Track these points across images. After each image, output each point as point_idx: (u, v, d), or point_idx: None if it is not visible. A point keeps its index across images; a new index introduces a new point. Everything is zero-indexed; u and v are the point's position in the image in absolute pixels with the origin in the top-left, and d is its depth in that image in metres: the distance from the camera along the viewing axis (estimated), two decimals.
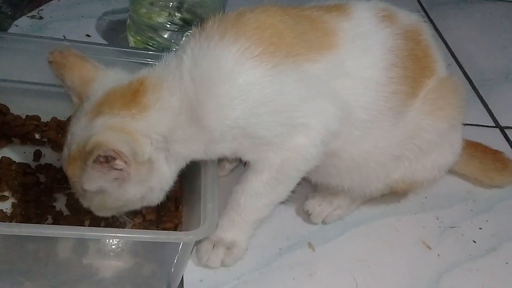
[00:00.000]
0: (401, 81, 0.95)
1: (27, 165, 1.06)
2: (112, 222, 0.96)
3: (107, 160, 0.83)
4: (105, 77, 0.91)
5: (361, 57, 0.93)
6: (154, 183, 0.90)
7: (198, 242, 0.96)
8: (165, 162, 0.90)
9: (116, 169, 0.84)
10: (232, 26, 0.86)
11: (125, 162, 0.83)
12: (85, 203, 0.91)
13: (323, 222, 1.10)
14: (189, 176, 1.05)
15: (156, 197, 0.92)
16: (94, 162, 0.82)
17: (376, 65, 0.94)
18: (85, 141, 0.83)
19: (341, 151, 0.97)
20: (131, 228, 0.98)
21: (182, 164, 0.93)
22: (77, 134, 0.86)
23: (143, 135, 0.86)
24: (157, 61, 0.93)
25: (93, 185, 0.86)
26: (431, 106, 0.99)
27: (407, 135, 1.00)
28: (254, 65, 0.85)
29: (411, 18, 1.01)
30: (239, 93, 0.85)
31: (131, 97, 0.86)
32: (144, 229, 0.99)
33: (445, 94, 1.01)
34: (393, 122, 0.97)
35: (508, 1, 2.04)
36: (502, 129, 1.46)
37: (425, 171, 1.05)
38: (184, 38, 0.93)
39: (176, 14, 1.41)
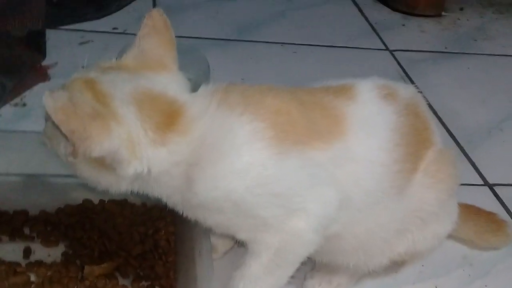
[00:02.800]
0: (405, 159, 0.95)
1: (17, 264, 1.03)
2: None
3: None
4: (175, 76, 0.93)
5: (367, 140, 0.93)
6: (104, 182, 0.88)
7: None
8: (127, 182, 0.88)
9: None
10: (253, 106, 0.87)
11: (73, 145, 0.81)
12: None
13: None
14: (183, 263, 1.03)
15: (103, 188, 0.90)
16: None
17: (381, 147, 0.93)
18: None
19: (343, 232, 0.96)
20: None
21: (147, 187, 0.90)
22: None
23: (145, 161, 0.85)
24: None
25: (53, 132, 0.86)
26: (432, 179, 0.99)
27: (410, 209, 0.99)
28: (263, 147, 0.85)
29: (409, 91, 1.01)
30: (240, 170, 0.85)
31: (167, 117, 0.86)
32: None
33: (444, 165, 1.01)
34: (396, 199, 0.96)
35: (485, 54, 2.07)
36: (491, 187, 1.46)
37: (426, 242, 1.04)
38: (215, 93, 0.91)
39: None
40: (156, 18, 0.92)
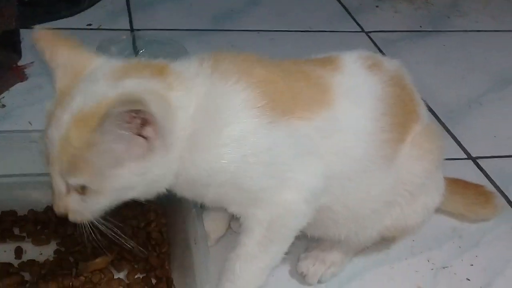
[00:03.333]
0: (391, 129, 0.96)
1: (10, 264, 1.02)
2: None
3: (142, 121, 0.78)
4: (106, 60, 0.89)
5: (353, 109, 0.94)
6: (160, 170, 0.85)
7: None
8: (178, 150, 0.85)
9: (142, 136, 0.80)
10: (246, 74, 0.88)
11: (155, 131, 0.80)
12: (78, 179, 0.82)
13: (319, 282, 1.09)
14: (178, 253, 1.03)
15: (161, 187, 0.88)
16: (123, 113, 0.76)
17: (366, 116, 0.95)
18: (117, 96, 0.78)
19: (334, 203, 0.97)
20: None
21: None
22: (95, 93, 0.80)
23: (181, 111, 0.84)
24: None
25: (110, 150, 0.79)
26: (419, 150, 1.01)
27: (398, 181, 1.00)
28: (256, 115, 0.86)
29: (394, 64, 1.03)
30: (237, 138, 0.86)
31: (157, 71, 0.85)
32: None
33: (430, 137, 1.03)
34: (384, 169, 0.98)
35: (460, 31, 2.09)
36: (474, 160, 1.48)
37: (416, 215, 1.06)
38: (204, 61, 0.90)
39: None
40: (42, 38, 0.87)
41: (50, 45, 0.87)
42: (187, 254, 0.95)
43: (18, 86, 1.51)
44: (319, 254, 1.09)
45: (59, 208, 0.87)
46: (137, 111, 0.77)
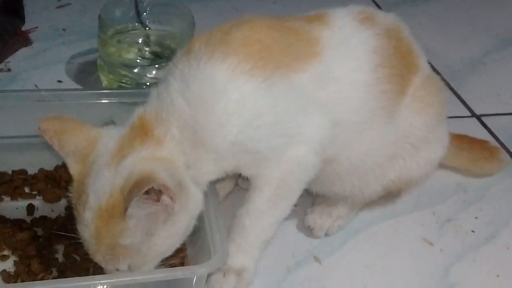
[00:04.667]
0: (389, 80, 0.97)
1: (23, 221, 1.04)
2: None
3: (156, 192, 0.81)
4: (108, 132, 0.90)
5: (346, 62, 0.95)
6: (194, 210, 0.89)
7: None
8: (194, 187, 0.89)
9: (162, 204, 0.83)
10: (220, 45, 0.87)
11: (171, 198, 0.82)
12: (123, 265, 0.85)
13: (326, 234, 1.11)
14: None
15: (193, 224, 0.91)
16: (144, 195, 0.79)
17: (361, 67, 0.95)
18: (124, 181, 0.81)
19: (339, 155, 0.98)
20: None
21: (203, 187, 0.92)
22: (104, 185, 0.83)
23: (175, 161, 0.86)
24: (140, 96, 0.93)
25: (139, 227, 0.83)
26: (420, 103, 1.02)
27: (400, 134, 1.02)
28: (246, 79, 0.86)
29: (389, 17, 1.03)
30: (235, 109, 0.86)
31: (143, 134, 0.86)
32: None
33: (432, 90, 1.04)
34: (385, 121, 0.99)
35: None
36: (478, 118, 1.49)
37: (419, 168, 1.07)
38: (169, 64, 0.92)
39: (145, 48, 1.41)
40: (48, 128, 0.90)
41: (56, 135, 0.89)
42: None
43: (23, 51, 1.52)
44: (325, 208, 1.11)
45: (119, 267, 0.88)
46: (150, 188, 0.80)
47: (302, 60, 0.91)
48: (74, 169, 0.89)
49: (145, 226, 0.83)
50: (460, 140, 1.24)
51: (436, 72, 1.60)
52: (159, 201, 0.82)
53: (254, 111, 0.86)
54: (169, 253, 0.90)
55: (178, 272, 0.84)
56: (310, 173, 0.94)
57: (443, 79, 1.58)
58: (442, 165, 1.23)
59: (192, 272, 0.83)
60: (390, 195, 1.15)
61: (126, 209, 0.79)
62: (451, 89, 1.58)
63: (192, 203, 0.88)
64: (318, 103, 0.92)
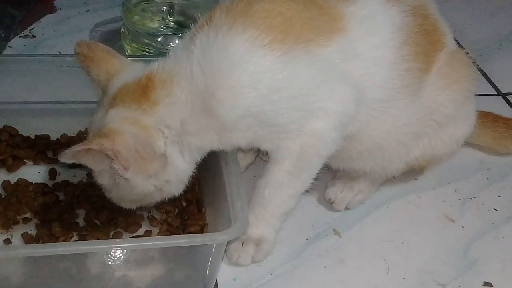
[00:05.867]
0: (414, 58, 0.95)
1: (45, 185, 1.05)
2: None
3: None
4: (124, 72, 0.92)
5: (370, 38, 0.93)
6: (170, 176, 0.90)
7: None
8: (179, 155, 0.90)
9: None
10: (241, 16, 0.86)
11: (119, 165, 0.84)
12: (107, 194, 0.93)
13: (346, 208, 1.10)
14: (209, 176, 1.05)
15: (175, 188, 0.93)
16: (96, 149, 0.82)
17: (386, 44, 0.94)
18: (99, 130, 0.85)
19: (361, 133, 0.97)
20: (158, 235, 0.98)
21: (198, 155, 0.93)
22: (94, 124, 0.89)
23: (156, 130, 0.87)
24: (167, 54, 0.93)
25: (104, 175, 0.88)
26: (446, 80, 1.00)
27: (425, 111, 1.00)
28: (264, 53, 0.85)
29: None
30: (250, 81, 0.85)
31: (141, 92, 0.88)
32: (171, 234, 0.98)
33: (458, 67, 1.02)
34: (410, 99, 0.97)
35: None
36: (504, 96, 1.46)
37: (444, 145, 1.06)
38: (191, 29, 0.92)
39: (169, 17, 1.40)
40: (80, 52, 0.95)
41: (85, 61, 0.95)
42: (218, 176, 0.97)
43: (47, 18, 1.52)
44: (347, 182, 1.10)
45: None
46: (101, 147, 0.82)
47: (325, 35, 0.90)
48: (98, 93, 0.96)
49: (110, 175, 0.88)
50: (485, 118, 1.22)
51: (460, 47, 1.61)
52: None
53: (271, 85, 0.86)
54: (144, 203, 0.94)
55: (197, 239, 0.83)
56: (330, 148, 0.93)
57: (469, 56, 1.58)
58: (466, 143, 1.21)
59: (212, 239, 0.83)
60: (412, 171, 1.14)
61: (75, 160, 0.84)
62: (477, 66, 1.54)
63: (170, 170, 0.89)
64: (342, 77, 0.91)
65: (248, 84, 0.85)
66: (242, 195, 0.90)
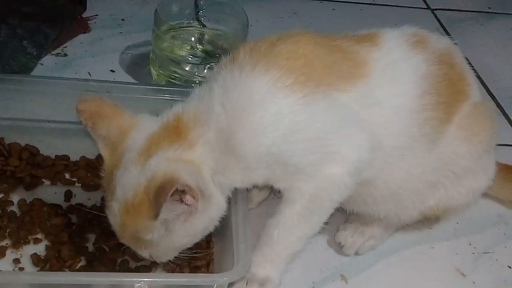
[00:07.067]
0: (435, 108, 0.95)
1: (59, 206, 1.07)
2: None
3: (180, 194, 0.83)
4: (141, 124, 0.91)
5: (391, 85, 0.93)
6: (214, 214, 0.91)
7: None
8: (218, 192, 0.91)
9: (186, 204, 0.85)
10: (264, 56, 0.87)
11: (194, 197, 0.84)
12: (145, 253, 0.90)
13: (356, 253, 1.09)
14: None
15: (213, 227, 0.93)
16: (171, 196, 0.81)
17: (407, 93, 0.93)
18: (148, 183, 0.83)
19: (375, 179, 0.97)
20: (163, 267, 0.99)
21: (227, 193, 0.93)
22: (130, 183, 0.85)
23: (202, 165, 0.88)
24: (188, 95, 0.94)
25: (162, 226, 0.86)
26: (466, 131, 0.99)
27: (442, 162, 0.99)
28: (286, 94, 0.86)
29: (443, 42, 1.01)
30: (271, 122, 0.86)
31: (175, 134, 0.88)
32: (176, 266, 0.99)
33: (479, 119, 1.01)
34: (427, 148, 0.96)
35: None
36: None
37: (460, 197, 1.05)
38: (214, 68, 0.93)
39: (198, 46, 1.42)
40: (85, 109, 0.92)
41: (91, 118, 0.91)
42: (227, 215, 0.97)
43: (81, 37, 1.55)
44: (358, 227, 1.10)
45: (139, 257, 0.93)
46: (176, 190, 0.81)
47: (347, 80, 0.90)
48: (104, 152, 0.92)
49: (167, 224, 0.86)
50: (506, 171, 1.20)
51: (491, 95, 1.59)
52: (182, 202, 0.84)
53: (291, 126, 0.86)
54: (187, 246, 0.93)
55: (198, 279, 0.84)
56: (343, 194, 0.93)
57: (498, 104, 1.56)
58: (485, 195, 1.19)
59: (212, 281, 0.83)
60: (427, 220, 1.12)
61: (157, 213, 0.81)
62: (505, 115, 1.53)
63: (213, 207, 0.89)
64: (360, 124, 0.91)
65: (269, 124, 0.86)
66: (248, 237, 0.90)
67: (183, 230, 0.88)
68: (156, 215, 0.81)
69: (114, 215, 0.87)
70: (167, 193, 0.80)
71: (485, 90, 1.61)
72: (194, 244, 1.01)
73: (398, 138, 0.94)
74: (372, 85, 0.92)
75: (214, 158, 0.88)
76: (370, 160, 0.92)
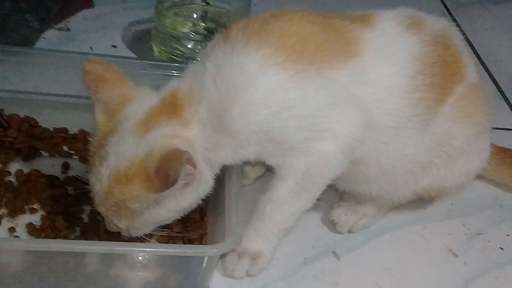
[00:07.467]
0: (428, 88, 0.95)
1: (56, 178, 1.08)
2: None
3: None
4: (142, 97, 0.92)
5: (384, 65, 0.93)
6: (201, 191, 0.91)
7: (223, 253, 0.97)
8: (207, 170, 0.91)
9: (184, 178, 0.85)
10: (256, 34, 0.88)
11: (194, 166, 0.85)
12: (123, 224, 0.89)
13: (349, 231, 1.10)
14: (214, 186, 1.06)
15: (195, 205, 0.93)
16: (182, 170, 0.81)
17: (400, 73, 0.94)
18: (146, 156, 0.83)
19: (368, 158, 0.97)
20: (157, 240, 1.00)
21: (216, 170, 0.94)
22: (125, 153, 0.85)
23: (195, 143, 0.89)
24: (184, 71, 0.94)
25: (166, 197, 0.86)
26: (460, 113, 0.99)
27: (436, 142, 1.00)
28: (277, 71, 0.86)
29: (440, 24, 1.01)
30: (262, 99, 0.86)
31: (172, 111, 0.88)
32: (170, 239, 1.00)
33: (474, 101, 1.01)
34: (420, 129, 0.97)
35: None
36: None
37: (454, 178, 1.05)
38: (208, 46, 0.94)
39: (201, 24, 1.42)
40: (92, 70, 0.91)
41: (95, 81, 0.91)
42: (221, 189, 0.98)
43: (84, 12, 1.56)
44: (352, 205, 1.10)
45: (111, 229, 0.92)
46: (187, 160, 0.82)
47: (340, 58, 0.90)
48: (100, 117, 0.92)
49: (158, 196, 0.86)
50: (504, 154, 1.20)
51: (493, 79, 1.59)
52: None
53: (282, 104, 0.87)
54: (166, 222, 0.93)
55: (189, 250, 0.85)
56: (336, 171, 0.94)
57: (499, 88, 1.56)
58: (481, 177, 1.21)
59: (202, 252, 0.85)
60: (421, 201, 1.13)
61: (172, 184, 0.81)
62: (506, 99, 1.53)
63: (201, 184, 0.90)
64: (353, 101, 0.91)
65: (260, 102, 0.86)
66: (240, 211, 0.91)
67: (171, 204, 0.88)
68: (166, 188, 0.82)
69: (101, 181, 0.87)
70: (181, 164, 0.80)
71: (487, 74, 1.61)
72: (188, 218, 1.03)
73: (391, 118, 0.94)
74: (365, 64, 0.92)
75: (206, 136, 0.89)
76: (363, 138, 0.92)
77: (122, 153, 0.86)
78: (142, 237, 0.92)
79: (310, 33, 0.90)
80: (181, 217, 1.03)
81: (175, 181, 0.81)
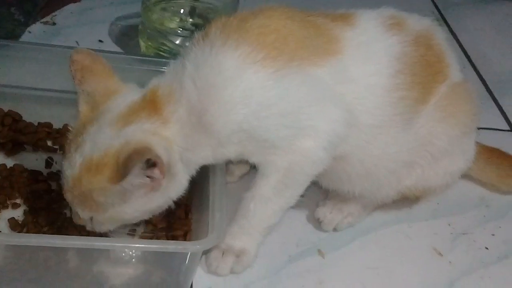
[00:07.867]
0: (409, 87, 0.95)
1: (39, 173, 1.07)
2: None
3: (150, 166, 0.83)
4: (126, 92, 0.91)
5: (364, 64, 0.93)
6: (173, 193, 0.91)
7: (207, 250, 0.97)
8: (183, 172, 0.90)
9: (151, 177, 0.85)
10: (235, 32, 0.87)
11: (161, 172, 0.84)
12: (86, 215, 0.89)
13: (334, 230, 1.10)
14: (198, 183, 1.05)
15: (166, 206, 0.92)
16: (141, 165, 0.81)
17: (380, 72, 0.94)
18: (121, 147, 0.83)
19: (350, 156, 0.97)
20: (141, 235, 0.99)
21: (192, 171, 0.93)
22: (101, 142, 0.85)
23: (173, 143, 0.88)
24: (165, 68, 0.93)
25: (119, 192, 0.85)
26: (442, 112, 0.99)
27: (418, 142, 0.99)
28: (256, 70, 0.85)
29: (423, 23, 1.01)
30: (242, 98, 0.86)
31: (152, 108, 0.87)
32: (153, 236, 0.99)
33: (457, 100, 1.01)
34: (402, 128, 0.97)
35: None
36: None
37: (438, 178, 1.05)
38: (188, 44, 0.93)
39: (188, 19, 1.41)
40: (79, 60, 0.91)
41: (81, 71, 0.91)
42: (206, 185, 0.97)
43: (71, 7, 1.55)
44: (338, 203, 1.10)
45: (75, 221, 0.92)
46: (148, 160, 0.81)
47: (320, 55, 0.90)
48: (83, 108, 0.91)
49: (124, 193, 0.85)
50: (490, 154, 1.20)
51: (481, 79, 1.59)
52: (148, 176, 0.84)
53: (262, 102, 0.86)
54: (132, 222, 0.93)
55: (171, 246, 0.84)
56: (318, 168, 0.93)
57: (487, 87, 1.56)
58: (467, 177, 1.20)
59: (185, 248, 0.84)
60: (406, 200, 1.13)
61: (124, 175, 0.80)
62: (494, 99, 1.53)
63: (174, 187, 0.89)
64: (335, 98, 0.91)
65: (240, 101, 0.86)
66: (223, 207, 0.90)
67: (137, 204, 0.87)
68: (119, 179, 0.81)
69: (73, 167, 0.86)
70: (139, 159, 0.80)
71: (475, 74, 1.61)
72: (173, 215, 1.02)
73: (372, 116, 0.94)
74: (345, 62, 0.92)
75: (184, 135, 0.88)
76: (345, 135, 0.92)
77: (98, 142, 0.85)
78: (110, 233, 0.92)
79: (290, 30, 0.89)
80: (165, 214, 1.03)
81: (125, 174, 0.80)
